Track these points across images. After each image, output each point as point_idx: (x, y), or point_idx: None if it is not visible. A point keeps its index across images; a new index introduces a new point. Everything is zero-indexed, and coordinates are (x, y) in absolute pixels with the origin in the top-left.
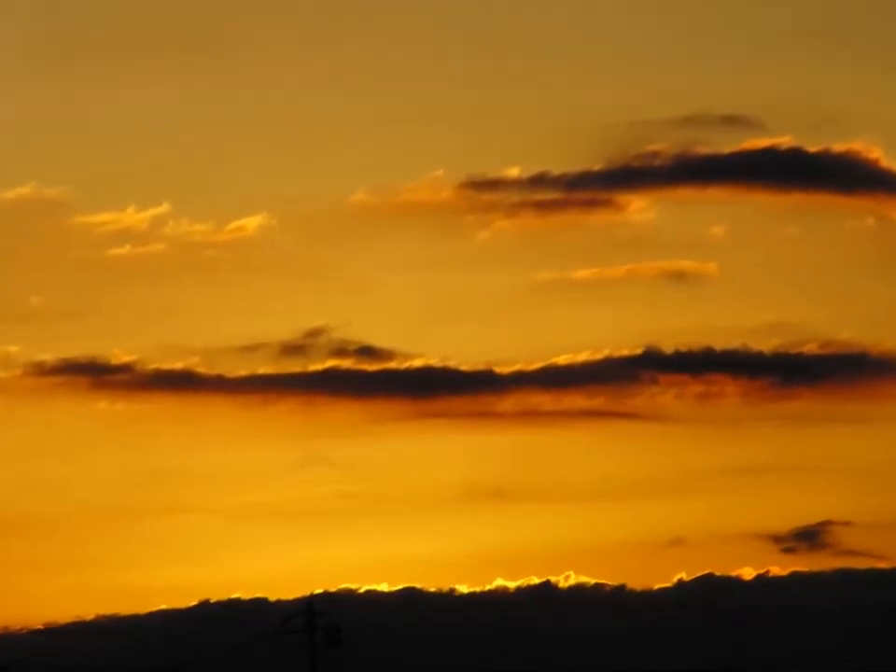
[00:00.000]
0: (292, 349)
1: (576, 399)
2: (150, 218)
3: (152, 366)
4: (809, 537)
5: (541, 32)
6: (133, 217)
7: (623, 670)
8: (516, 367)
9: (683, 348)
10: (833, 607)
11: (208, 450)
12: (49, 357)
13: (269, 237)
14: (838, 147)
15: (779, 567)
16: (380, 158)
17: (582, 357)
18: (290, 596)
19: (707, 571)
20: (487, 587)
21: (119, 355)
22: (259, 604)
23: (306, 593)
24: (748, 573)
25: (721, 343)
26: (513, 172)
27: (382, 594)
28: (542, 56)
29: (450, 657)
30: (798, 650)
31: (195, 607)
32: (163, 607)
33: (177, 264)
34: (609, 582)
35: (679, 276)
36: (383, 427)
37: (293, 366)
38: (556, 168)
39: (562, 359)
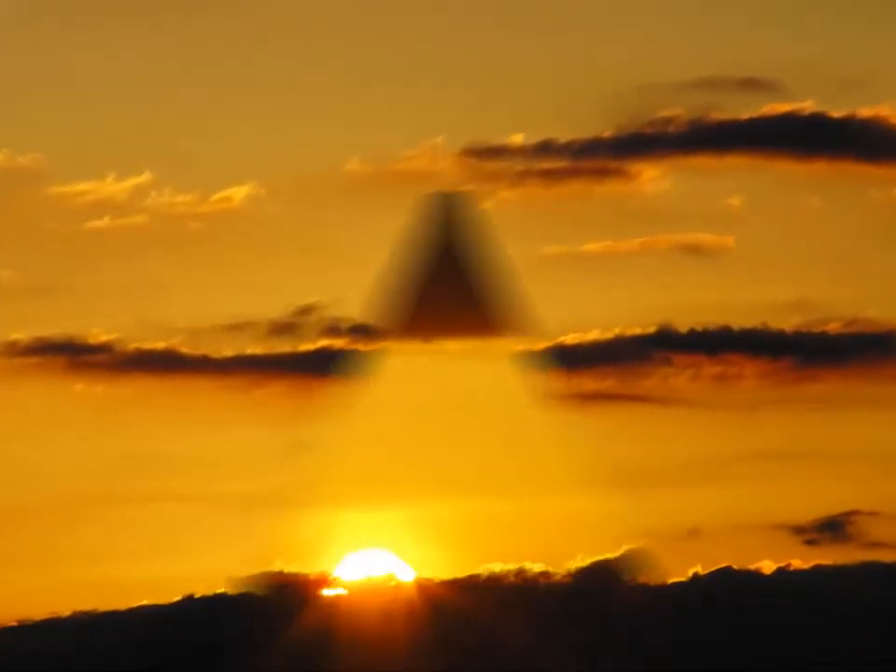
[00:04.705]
0: (282, 328)
1: (584, 381)
2: (131, 188)
3: (133, 345)
4: (833, 528)
5: None
6: (113, 186)
7: (634, 669)
8: (521, 346)
9: (699, 327)
10: (859, 602)
11: (192, 434)
12: (22, 336)
13: (257, 208)
14: (864, 112)
15: (801, 560)
16: (375, 124)
17: (592, 335)
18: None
19: (724, 564)
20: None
21: (98, 334)
22: (248, 600)
23: None
24: (767, 566)
25: (739, 321)
26: (518, 139)
27: None
28: (548, 15)
29: (450, 655)
30: (820, 647)
31: (179, 602)
32: (145, 602)
33: (160, 237)
34: None
35: (694, 250)
36: None
37: (283, 346)
38: (564, 135)
39: (570, 338)
